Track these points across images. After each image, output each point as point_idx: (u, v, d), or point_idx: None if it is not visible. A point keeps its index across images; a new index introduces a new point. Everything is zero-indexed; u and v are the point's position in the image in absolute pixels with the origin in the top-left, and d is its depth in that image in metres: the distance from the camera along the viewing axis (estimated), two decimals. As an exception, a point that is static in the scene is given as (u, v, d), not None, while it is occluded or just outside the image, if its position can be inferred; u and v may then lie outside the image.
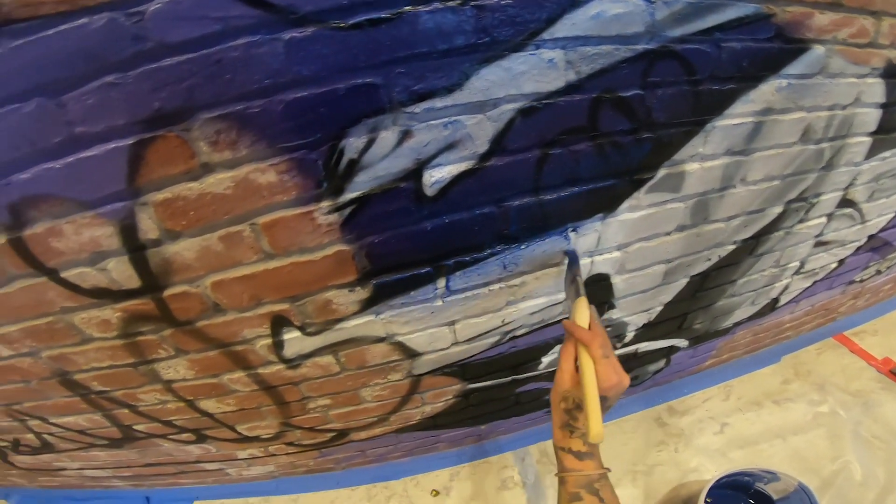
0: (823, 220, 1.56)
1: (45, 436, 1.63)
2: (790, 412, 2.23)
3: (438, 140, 0.87)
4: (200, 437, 1.64)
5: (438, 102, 0.82)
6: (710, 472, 2.04)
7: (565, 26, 0.81)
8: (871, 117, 1.30)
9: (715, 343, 2.05)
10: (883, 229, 1.85)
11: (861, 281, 2.25)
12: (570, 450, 0.87)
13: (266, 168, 0.82)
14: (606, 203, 1.11)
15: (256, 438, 1.66)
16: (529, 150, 0.94)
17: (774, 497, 1.83)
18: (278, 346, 1.18)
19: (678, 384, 2.30)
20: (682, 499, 1.95)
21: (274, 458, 1.86)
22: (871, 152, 1.41)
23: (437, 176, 0.91)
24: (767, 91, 1.06)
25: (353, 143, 0.83)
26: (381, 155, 0.86)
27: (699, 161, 1.12)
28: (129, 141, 0.76)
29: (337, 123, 0.80)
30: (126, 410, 1.43)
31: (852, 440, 2.06)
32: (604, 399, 0.82)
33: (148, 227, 0.88)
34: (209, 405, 1.41)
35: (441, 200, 0.95)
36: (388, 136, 0.84)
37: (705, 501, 1.70)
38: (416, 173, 0.90)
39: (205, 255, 0.94)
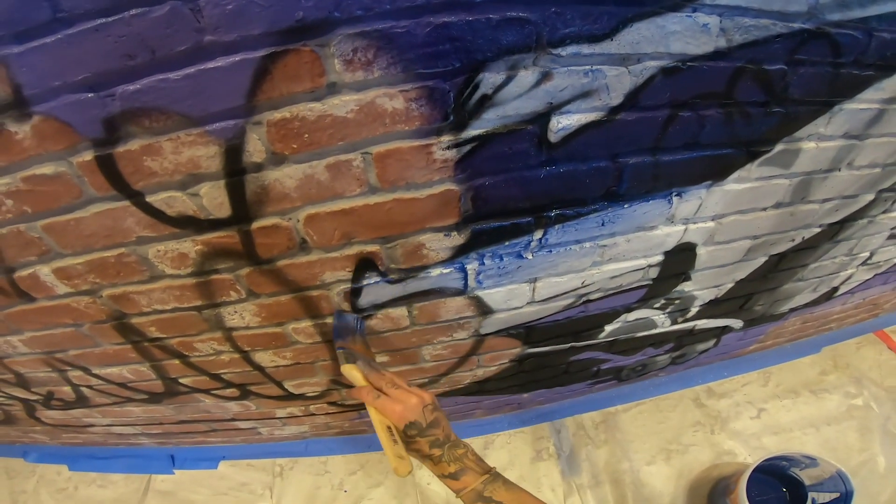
0: None
1: (83, 388, 1.58)
2: (825, 402, 2.25)
3: (575, 87, 0.83)
4: (244, 394, 1.61)
5: (585, 49, 0.78)
6: (743, 455, 2.05)
7: None
8: None
9: (766, 328, 2.04)
10: None
11: None
12: (444, 475, 0.91)
13: (395, 94, 0.77)
14: (718, 171, 1.09)
15: (301, 396, 1.63)
16: (660, 108, 0.91)
17: (807, 483, 1.85)
18: (355, 293, 1.14)
19: (719, 366, 2.30)
20: (713, 479, 1.96)
21: (311, 417, 1.84)
22: None
23: (564, 123, 0.87)
24: None
25: (489, 78, 0.78)
26: (515, 94, 0.81)
27: (816, 140, 1.11)
28: (260, 53, 0.70)
29: (479, 55, 0.75)
30: (177, 361, 1.38)
31: (881, 434, 2.09)
32: (411, 425, 0.90)
33: (255, 148, 0.82)
34: (264, 358, 1.38)
35: (562, 148, 0.91)
36: (526, 76, 0.79)
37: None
38: (544, 117, 0.86)
39: (306, 184, 0.88)
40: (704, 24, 0.81)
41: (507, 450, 2.05)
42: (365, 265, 1.07)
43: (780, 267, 1.53)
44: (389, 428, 0.91)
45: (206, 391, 1.57)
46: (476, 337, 1.37)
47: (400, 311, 1.22)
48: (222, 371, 1.44)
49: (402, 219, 0.97)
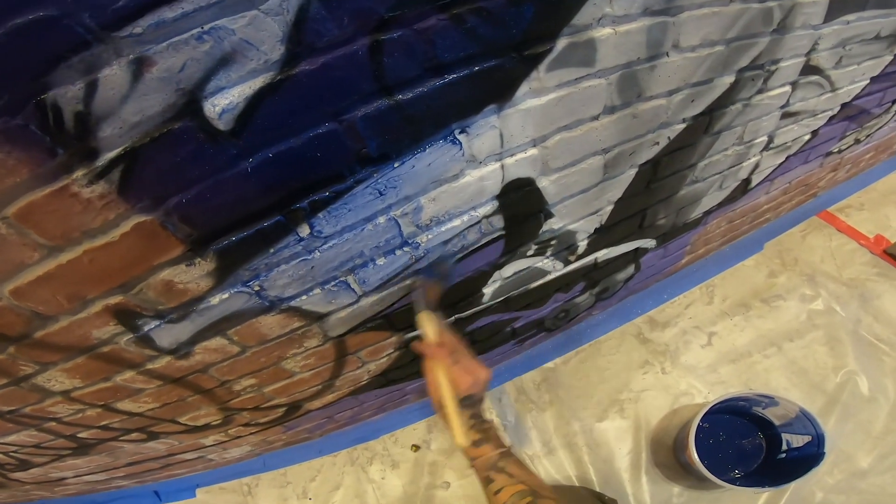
0: (787, 89, 1.40)
1: (12, 454, 1.54)
2: (782, 312, 2.06)
3: (198, 58, 0.62)
4: (151, 435, 1.53)
5: (168, 12, 0.57)
6: (703, 394, 1.89)
7: None
8: None
9: (687, 237, 1.84)
10: (857, 97, 1.69)
11: (839, 152, 2.08)
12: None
13: (-32, 149, 0.59)
14: (496, 90, 0.86)
15: (208, 426, 1.54)
16: (352, 40, 0.69)
17: (776, 423, 1.68)
18: (146, 339, 1.00)
19: (655, 290, 2.10)
20: (675, 427, 1.79)
21: (241, 439, 1.76)
22: (831, 14, 1.23)
23: (222, 103, 0.67)
24: None
25: (65, 94, 0.59)
26: (118, 97, 0.61)
27: (610, 25, 0.88)
28: None
29: (24, 76, 0.56)
30: (53, 423, 1.30)
31: (853, 344, 1.89)
32: (469, 397, 0.91)
33: None
34: (128, 406, 1.27)
35: (246, 132, 0.71)
36: (115, 73, 0.59)
37: (701, 426, 1.56)
38: (190, 107, 0.66)
39: (-26, 264, 0.73)
40: None
41: (452, 430, 1.95)
42: (127, 314, 0.92)
43: (660, 175, 1.34)
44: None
45: (114, 439, 1.50)
46: (332, 340, 1.22)
47: (218, 341, 1.07)
48: (104, 423, 1.35)
49: (116, 266, 0.81)
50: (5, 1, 0.50)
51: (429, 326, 0.95)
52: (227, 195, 0.77)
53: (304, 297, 1.03)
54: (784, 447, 1.66)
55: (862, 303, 2.02)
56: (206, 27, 0.60)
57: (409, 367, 1.56)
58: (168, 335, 1.00)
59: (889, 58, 1.64)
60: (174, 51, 0.60)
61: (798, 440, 1.60)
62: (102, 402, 1.22)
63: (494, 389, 2.00)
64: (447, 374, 0.90)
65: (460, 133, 0.88)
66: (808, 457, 1.51)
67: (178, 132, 0.67)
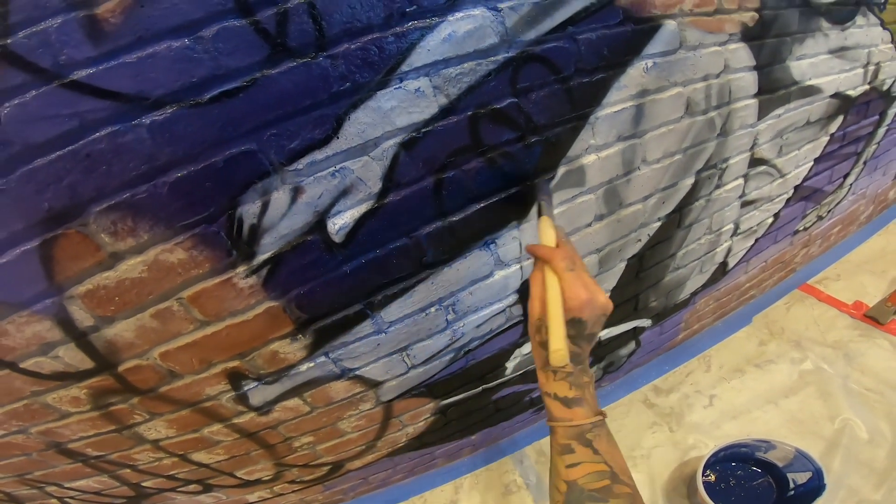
0: (740, 181, 1.59)
1: (68, 500, 1.64)
2: (774, 374, 2.17)
3: (330, 190, 0.89)
4: (206, 487, 1.66)
5: (318, 155, 0.84)
6: (709, 446, 1.95)
7: (422, 54, 0.83)
8: (747, 81, 1.32)
9: (679, 316, 2.03)
10: (806, 178, 1.88)
11: (805, 229, 2.25)
12: (556, 396, 0.75)
13: (172, 247, 0.85)
14: (516, 211, 1.12)
15: (258, 481, 1.68)
16: (423, 179, 0.96)
17: (779, 465, 1.77)
18: (243, 398, 1.20)
19: (657, 363, 2.27)
20: (686, 477, 1.90)
21: (283, 497, 1.86)
22: (763, 112, 1.44)
23: (339, 223, 0.93)
24: (636, 74, 1.08)
25: (248, 210, 0.85)
26: (279, 215, 0.87)
27: (594, 152, 1.13)
28: (35, 243, 0.79)
29: (226, 194, 0.82)
30: (128, 470, 1.45)
31: (845, 396, 1.99)
32: (579, 322, 0.73)
33: (81, 317, 0.91)
34: (201, 457, 1.43)
35: (351, 244, 0.97)
36: (280, 197, 0.86)
37: (706, 476, 1.67)
38: (319, 225, 0.92)
39: (144, 333, 0.96)
40: (417, 90, 0.85)
41: (478, 490, 2.04)
42: (237, 376, 1.13)
43: (646, 265, 1.55)
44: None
45: (172, 489, 1.63)
46: (382, 404, 1.41)
47: (294, 402, 1.27)
48: (173, 472, 1.50)
49: (243, 338, 1.04)
50: (221, 135, 0.76)
51: (550, 230, 0.84)
52: (330, 289, 1.02)
53: (366, 368, 1.25)
54: (791, 485, 1.73)
55: (848, 361, 2.13)
56: (338, 166, 0.87)
57: (442, 430, 1.72)
58: (260, 395, 1.21)
59: (825, 139, 1.85)
60: (317, 183, 0.87)
61: (802, 477, 1.68)
62: (182, 452, 1.39)
63: (516, 453, 2.11)
64: (560, 280, 0.75)
65: (491, 244, 1.14)
66: (813, 490, 1.60)
67: (309, 243, 0.93)
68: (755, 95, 1.38)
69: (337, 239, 0.94)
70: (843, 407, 1.95)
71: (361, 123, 0.84)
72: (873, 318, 2.29)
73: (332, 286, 1.01)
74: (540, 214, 0.91)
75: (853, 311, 2.37)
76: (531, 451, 2.12)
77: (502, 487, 2.02)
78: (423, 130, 0.90)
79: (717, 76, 1.24)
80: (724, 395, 2.15)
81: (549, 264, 0.77)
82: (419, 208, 0.99)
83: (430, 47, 0.83)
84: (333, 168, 0.87)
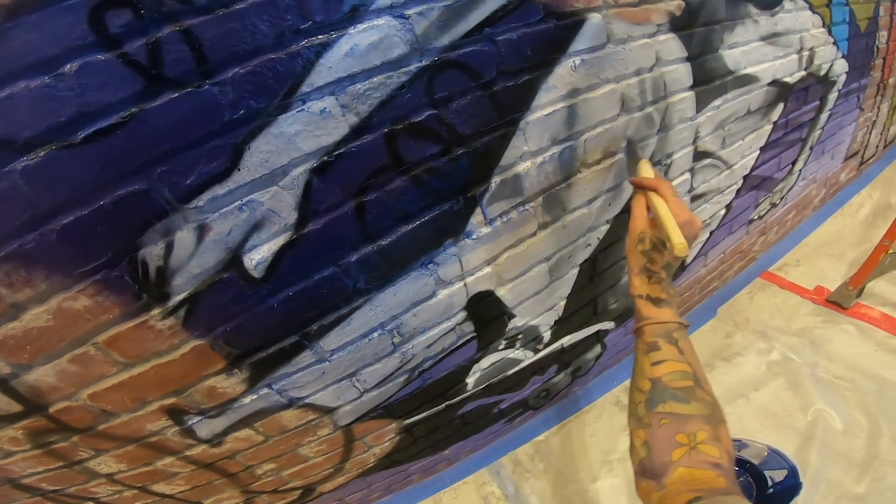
0: (687, 175, 1.56)
1: None
2: (742, 367, 2.14)
3: (240, 224, 0.84)
4: None
5: (220, 189, 0.79)
6: None
7: (323, 73, 0.78)
8: (681, 73, 1.29)
9: None
10: (754, 168, 1.85)
11: (760, 218, 2.23)
12: (649, 297, 0.87)
13: (75, 295, 0.80)
14: (451, 228, 1.07)
15: (228, 508, 1.66)
16: (342, 204, 0.91)
17: (756, 462, 1.69)
18: (188, 431, 1.16)
19: (626, 363, 2.21)
20: None
21: None
22: (701, 104, 1.41)
23: (256, 258, 0.89)
24: (564, 73, 1.03)
25: (151, 252, 0.80)
26: (187, 255, 0.83)
27: (529, 159, 1.09)
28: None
29: (122, 237, 0.77)
30: (91, 503, 1.42)
31: (814, 385, 1.97)
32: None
33: (-1, 365, 0.86)
34: (162, 488, 1.39)
35: (273, 278, 0.92)
36: (185, 236, 0.81)
37: None
38: (234, 261, 0.87)
39: (65, 376, 0.92)
40: (323, 110, 0.81)
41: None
42: (177, 411, 1.09)
43: (599, 269, 1.51)
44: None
45: None
46: (341, 428, 1.37)
47: (245, 433, 1.23)
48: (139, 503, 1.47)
49: (174, 377, 1.00)
50: (105, 176, 0.71)
51: (649, 169, 0.98)
52: (259, 324, 0.98)
53: (315, 396, 1.21)
54: (769, 483, 1.67)
55: (814, 349, 2.10)
56: (244, 199, 0.82)
57: (411, 448, 1.68)
58: (207, 428, 1.17)
59: (769, 127, 1.82)
60: (223, 219, 0.82)
61: (778, 475, 1.63)
62: (140, 484, 1.35)
63: (492, 465, 2.08)
64: (669, 202, 0.87)
65: (429, 263, 1.09)
66: (790, 488, 1.57)
67: (226, 280, 0.89)
68: (691, 87, 1.35)
69: (256, 274, 0.90)
70: (814, 397, 1.93)
71: (264, 152, 0.79)
72: (836, 302, 2.28)
73: (260, 320, 0.97)
74: (635, 159, 1.09)
75: (815, 296, 2.37)
76: (507, 461, 2.09)
77: (481, 500, 1.99)
78: (335, 153, 0.85)
79: (650, 70, 1.20)
80: (694, 392, 2.09)
81: (658, 191, 0.89)
82: (343, 235, 0.94)
83: (332, 64, 0.78)
84: (239, 202, 0.82)
